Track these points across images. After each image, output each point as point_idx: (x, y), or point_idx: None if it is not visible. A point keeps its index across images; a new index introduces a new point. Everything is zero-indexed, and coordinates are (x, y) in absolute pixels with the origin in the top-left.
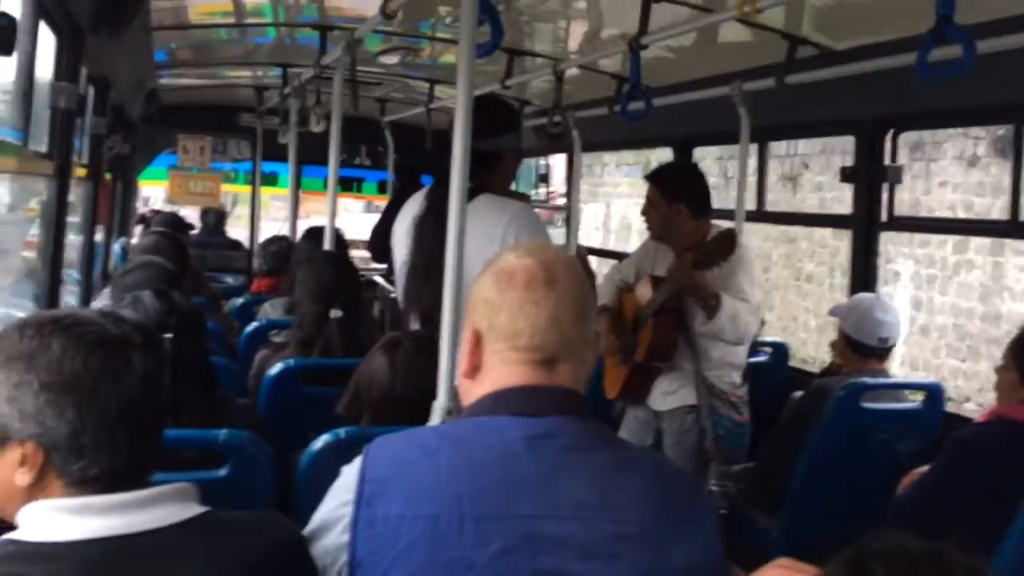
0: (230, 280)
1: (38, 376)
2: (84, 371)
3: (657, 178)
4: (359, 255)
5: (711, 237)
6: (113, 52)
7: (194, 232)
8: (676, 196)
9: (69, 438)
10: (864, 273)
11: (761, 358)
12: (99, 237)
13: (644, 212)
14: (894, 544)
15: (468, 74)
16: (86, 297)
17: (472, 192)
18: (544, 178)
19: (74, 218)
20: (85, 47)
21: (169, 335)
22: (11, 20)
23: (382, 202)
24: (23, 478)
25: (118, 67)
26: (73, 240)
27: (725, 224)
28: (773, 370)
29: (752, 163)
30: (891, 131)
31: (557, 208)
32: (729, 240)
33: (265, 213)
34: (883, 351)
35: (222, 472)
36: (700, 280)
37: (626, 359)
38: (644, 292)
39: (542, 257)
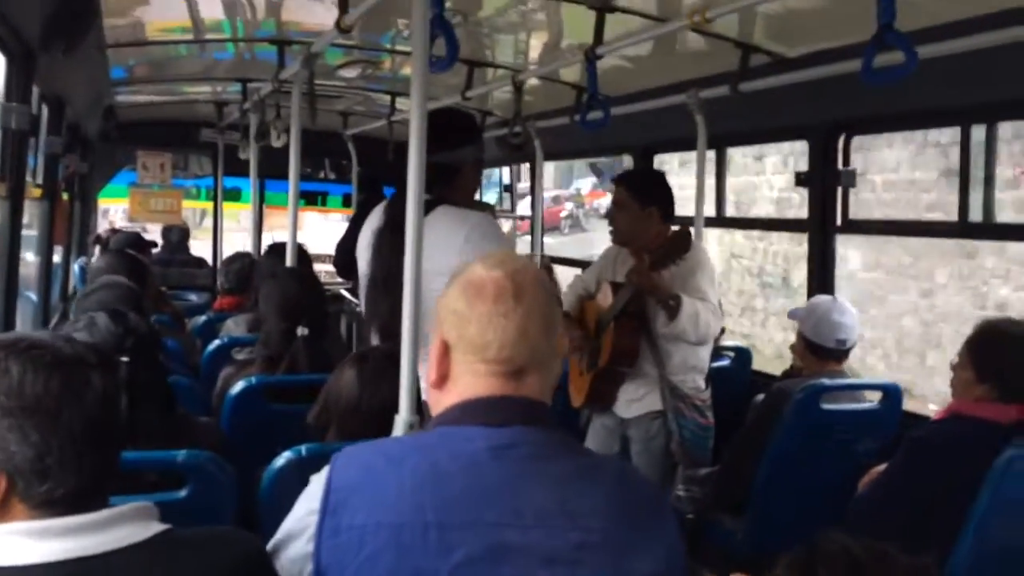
0: (194, 298)
1: None
2: (45, 393)
3: (630, 182)
4: (325, 269)
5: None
6: (67, 70)
7: (156, 250)
8: (648, 200)
9: (34, 461)
10: (821, 276)
11: (724, 362)
12: (57, 258)
13: (610, 215)
14: (839, 546)
15: (422, 88)
16: (44, 319)
17: (431, 204)
18: (508, 188)
19: (31, 232)
20: (36, 66)
21: (125, 358)
22: None
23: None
24: None
25: (72, 85)
26: (31, 260)
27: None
28: (736, 374)
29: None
30: (843, 135)
31: (522, 218)
32: (684, 239)
33: (237, 224)
34: (841, 353)
35: (182, 493)
36: (658, 281)
37: (590, 366)
38: (605, 298)
39: (510, 269)
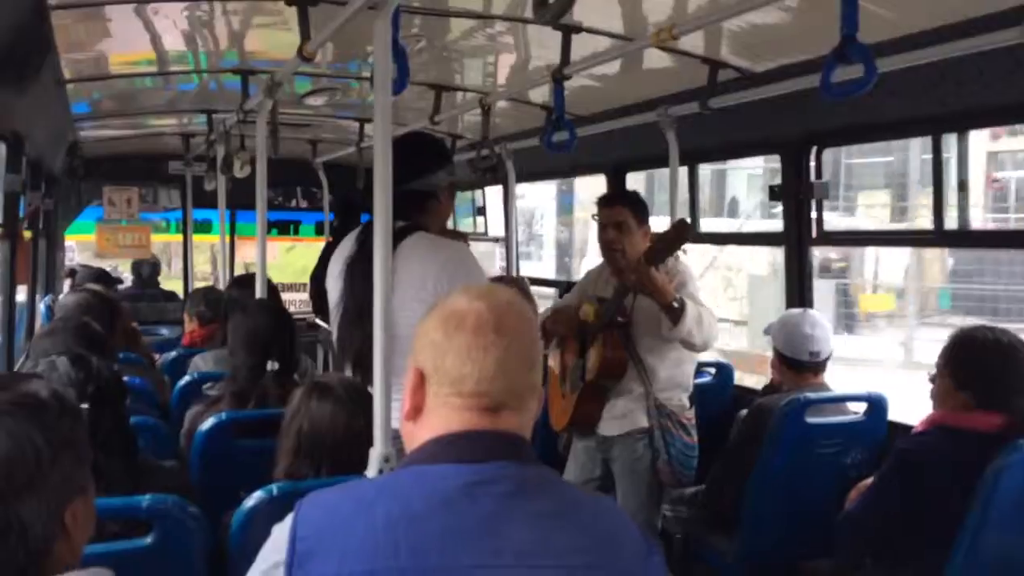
0: (165, 332)
1: None
2: None
3: (632, 202)
4: (299, 298)
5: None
6: (23, 106)
7: (125, 286)
8: (645, 218)
9: None
10: (799, 289)
11: (705, 379)
12: (22, 297)
13: (612, 239)
14: None
15: (385, 114)
16: (9, 360)
17: (406, 231)
18: (481, 211)
19: None
20: None
21: (85, 404)
22: None
23: None
24: None
25: (31, 121)
26: None
27: None
28: (718, 390)
29: None
30: (814, 148)
31: (495, 240)
32: (683, 228)
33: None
34: (816, 365)
35: (147, 540)
36: (657, 278)
37: (575, 385)
38: (589, 311)
39: (493, 301)
